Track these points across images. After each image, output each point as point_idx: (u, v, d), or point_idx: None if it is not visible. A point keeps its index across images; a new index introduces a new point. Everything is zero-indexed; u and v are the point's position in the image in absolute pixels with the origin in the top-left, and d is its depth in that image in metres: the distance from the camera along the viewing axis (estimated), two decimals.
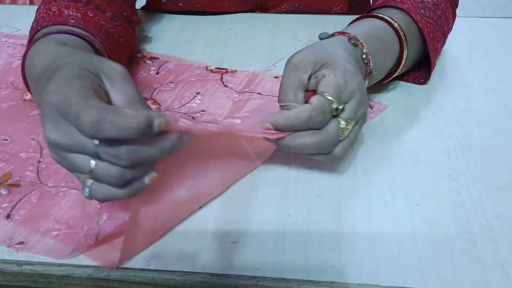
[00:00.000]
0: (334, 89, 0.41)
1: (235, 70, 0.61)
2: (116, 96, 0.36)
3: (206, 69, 0.61)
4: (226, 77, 0.60)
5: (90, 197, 0.36)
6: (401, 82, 0.58)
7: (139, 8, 0.79)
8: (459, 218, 0.42)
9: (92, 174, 0.34)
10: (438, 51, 0.58)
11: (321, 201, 0.44)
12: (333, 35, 0.49)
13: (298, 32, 0.69)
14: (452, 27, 0.62)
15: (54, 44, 0.43)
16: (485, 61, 0.63)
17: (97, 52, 0.50)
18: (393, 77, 0.55)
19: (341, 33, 0.49)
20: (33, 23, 0.53)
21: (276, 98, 0.45)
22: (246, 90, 0.57)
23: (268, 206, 0.43)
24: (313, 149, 0.41)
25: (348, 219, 0.42)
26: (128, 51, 0.60)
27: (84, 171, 0.35)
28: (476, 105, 0.55)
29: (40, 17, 0.52)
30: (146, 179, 0.36)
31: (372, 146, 0.49)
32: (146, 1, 0.83)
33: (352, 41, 0.47)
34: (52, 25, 0.50)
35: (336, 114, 0.41)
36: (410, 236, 0.41)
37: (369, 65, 0.48)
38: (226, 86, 0.58)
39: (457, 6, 0.62)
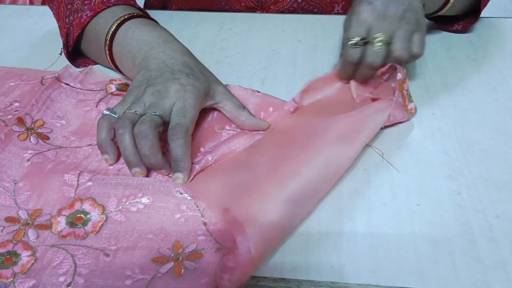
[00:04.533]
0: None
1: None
2: (228, 104, 0.50)
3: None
4: None
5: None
6: None
7: None
8: (459, 218, 0.42)
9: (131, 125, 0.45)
10: None
11: (321, 201, 0.44)
12: None
13: (298, 32, 0.69)
14: None
15: (164, 32, 0.55)
16: (485, 61, 0.63)
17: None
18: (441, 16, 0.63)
19: None
20: None
21: None
22: None
23: None
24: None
25: (348, 219, 0.42)
26: None
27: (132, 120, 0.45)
28: (476, 105, 0.55)
29: None
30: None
31: (372, 146, 0.49)
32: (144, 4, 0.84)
33: None
34: (123, 4, 0.58)
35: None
36: (410, 236, 0.41)
37: None
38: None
39: None
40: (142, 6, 0.83)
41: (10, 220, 0.42)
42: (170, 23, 0.72)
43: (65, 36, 0.59)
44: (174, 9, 0.80)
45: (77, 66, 0.62)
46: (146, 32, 0.54)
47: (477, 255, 0.39)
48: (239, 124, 0.50)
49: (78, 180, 0.44)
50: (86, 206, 0.42)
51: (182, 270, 0.37)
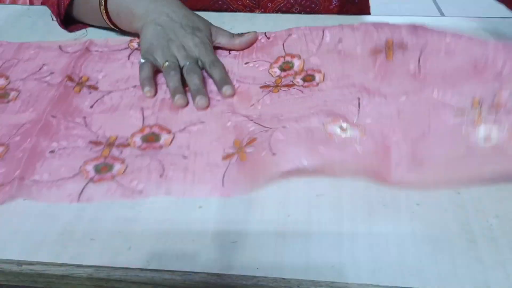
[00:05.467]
0: None
1: None
2: (222, 39, 0.61)
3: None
4: None
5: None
6: None
7: None
8: (459, 218, 0.42)
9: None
10: None
11: (321, 201, 0.44)
12: None
13: None
14: None
15: None
16: None
17: None
18: None
19: None
20: None
21: None
22: None
23: (268, 206, 0.43)
24: None
25: (348, 219, 0.42)
26: None
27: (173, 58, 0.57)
28: None
29: None
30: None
31: None
32: None
33: None
34: None
35: None
36: (410, 236, 0.41)
37: None
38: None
39: None
40: None
41: (94, 143, 0.49)
42: None
43: (56, 5, 0.65)
44: None
45: (71, 31, 0.67)
46: None
47: (477, 255, 0.39)
48: (238, 49, 0.61)
49: (143, 114, 0.52)
50: (155, 130, 0.50)
51: (246, 156, 0.46)
